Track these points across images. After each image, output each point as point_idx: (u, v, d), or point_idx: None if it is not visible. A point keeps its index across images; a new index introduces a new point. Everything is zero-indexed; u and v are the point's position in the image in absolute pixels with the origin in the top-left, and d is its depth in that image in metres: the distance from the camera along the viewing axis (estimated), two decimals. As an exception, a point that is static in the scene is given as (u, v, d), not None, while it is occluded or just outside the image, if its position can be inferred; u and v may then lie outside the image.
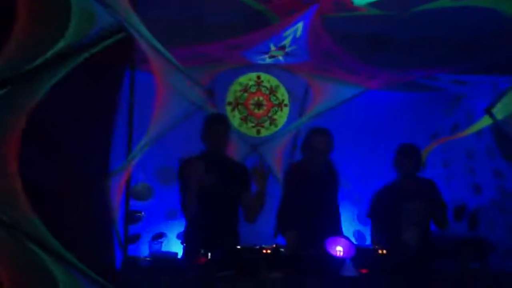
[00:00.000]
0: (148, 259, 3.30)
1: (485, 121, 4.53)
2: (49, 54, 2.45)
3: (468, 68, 4.47)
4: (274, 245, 3.53)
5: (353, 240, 4.42)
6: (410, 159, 4.10)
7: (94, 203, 2.59)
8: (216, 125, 3.87)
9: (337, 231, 3.95)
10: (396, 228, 3.83)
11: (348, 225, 4.90)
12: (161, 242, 3.77)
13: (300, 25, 3.64)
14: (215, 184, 3.77)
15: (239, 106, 5.17)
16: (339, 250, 3.14)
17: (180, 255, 3.75)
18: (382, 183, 4.25)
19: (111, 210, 2.67)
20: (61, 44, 2.47)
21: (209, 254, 3.24)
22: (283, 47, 4.01)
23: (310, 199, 3.94)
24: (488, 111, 3.23)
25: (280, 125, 5.25)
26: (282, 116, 5.26)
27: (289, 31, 3.69)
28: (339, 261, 3.12)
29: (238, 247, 3.52)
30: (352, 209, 5.21)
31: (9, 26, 2.38)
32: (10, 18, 2.38)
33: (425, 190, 4.07)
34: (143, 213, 4.92)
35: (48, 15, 2.46)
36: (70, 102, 2.54)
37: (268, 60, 4.40)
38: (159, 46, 2.64)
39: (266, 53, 4.18)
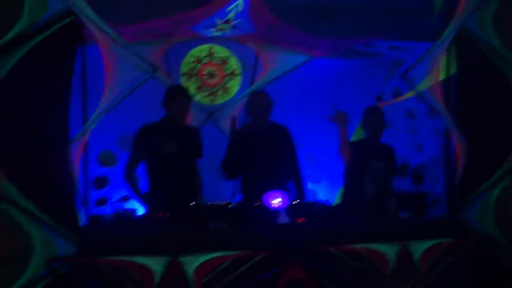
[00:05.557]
0: (110, 216, 3.68)
1: (423, 85, 4.86)
2: (7, 37, 2.77)
3: (403, 35, 4.82)
4: (225, 202, 3.95)
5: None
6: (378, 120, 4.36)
7: (57, 166, 2.92)
8: (180, 96, 4.18)
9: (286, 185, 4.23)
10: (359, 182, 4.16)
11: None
12: (124, 203, 4.13)
13: (241, 1, 3.94)
14: (172, 148, 4.18)
15: (193, 77, 5.45)
16: (275, 202, 3.50)
17: (139, 212, 4.13)
18: (331, 143, 4.53)
19: (72, 173, 3.00)
20: (17, 29, 2.79)
21: (166, 213, 3.58)
22: (228, 21, 4.25)
23: (253, 155, 4.27)
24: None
25: (233, 93, 5.54)
26: (234, 85, 5.55)
27: (231, 7, 3.98)
28: (275, 212, 3.48)
29: (191, 204, 3.92)
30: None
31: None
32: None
33: (387, 153, 4.40)
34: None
35: (4, 4, 2.77)
36: (29, 78, 2.85)
37: (216, 33, 4.60)
38: (105, 26, 2.95)
39: (213, 26, 4.39)
